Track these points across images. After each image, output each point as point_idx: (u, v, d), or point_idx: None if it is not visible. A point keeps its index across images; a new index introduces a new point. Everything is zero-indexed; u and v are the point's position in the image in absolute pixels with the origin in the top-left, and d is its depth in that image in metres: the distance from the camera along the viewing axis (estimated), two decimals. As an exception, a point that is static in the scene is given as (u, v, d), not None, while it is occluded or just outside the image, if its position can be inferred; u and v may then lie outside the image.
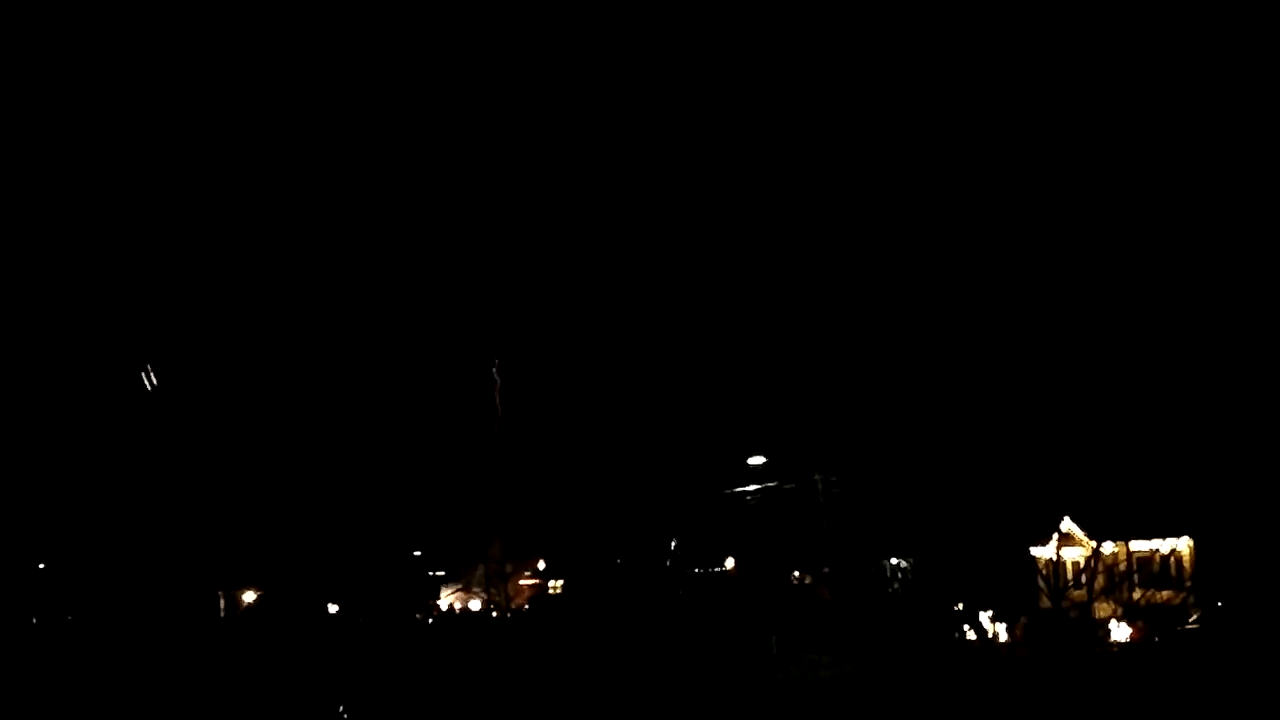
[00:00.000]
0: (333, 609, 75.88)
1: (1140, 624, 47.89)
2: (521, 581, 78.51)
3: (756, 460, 60.50)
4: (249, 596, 75.89)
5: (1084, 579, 52.30)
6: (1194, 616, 46.64)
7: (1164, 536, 53.17)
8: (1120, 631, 48.24)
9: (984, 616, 52.80)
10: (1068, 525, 54.47)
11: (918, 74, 66.72)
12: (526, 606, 73.93)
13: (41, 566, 73.88)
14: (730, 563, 71.62)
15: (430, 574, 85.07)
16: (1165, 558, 53.35)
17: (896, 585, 58.87)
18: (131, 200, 73.28)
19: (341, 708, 38.58)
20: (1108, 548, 52.67)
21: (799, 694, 37.60)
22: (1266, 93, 55.43)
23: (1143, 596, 50.23)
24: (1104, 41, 61.26)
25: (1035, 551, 55.45)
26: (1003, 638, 51.67)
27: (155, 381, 70.85)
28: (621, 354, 75.47)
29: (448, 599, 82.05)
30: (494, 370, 73.22)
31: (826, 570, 60.70)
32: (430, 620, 73.54)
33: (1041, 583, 53.50)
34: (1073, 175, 61.47)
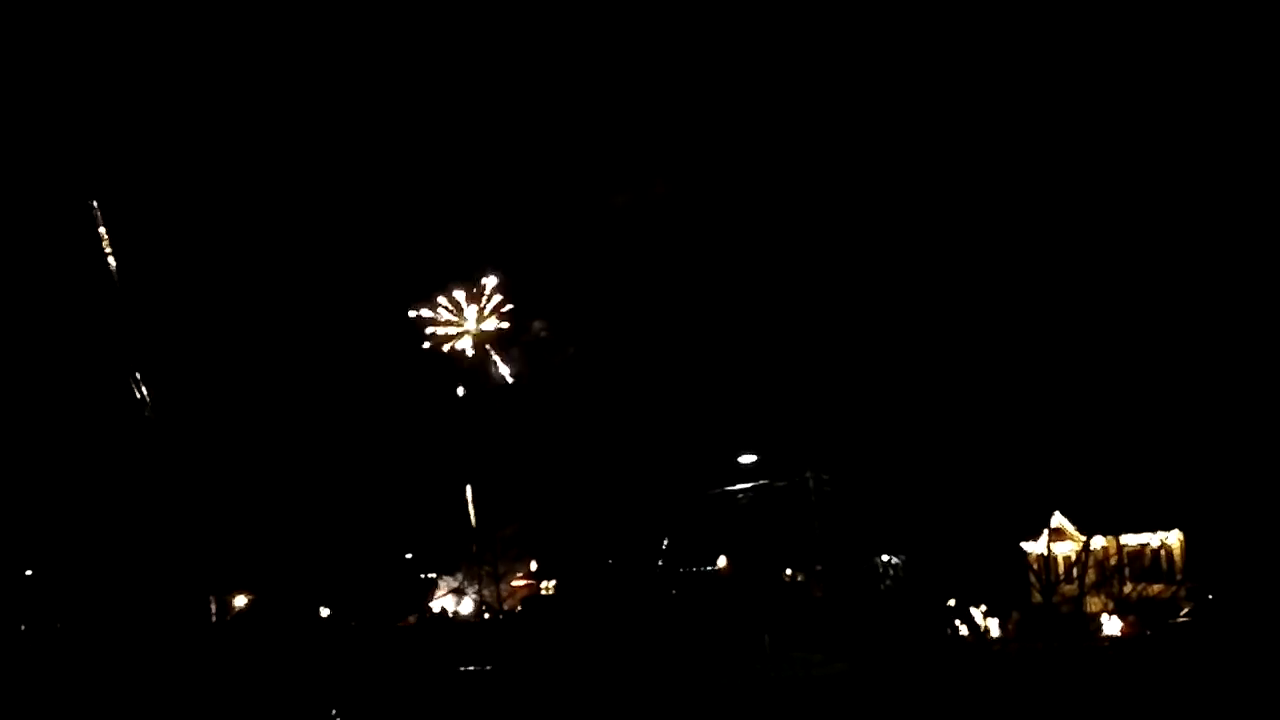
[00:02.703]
0: (324, 612, 75.66)
1: (1131, 618, 47.98)
2: (514, 582, 78.26)
3: (748, 458, 60.52)
4: (240, 601, 75.66)
5: (1075, 573, 52.30)
6: (1185, 610, 46.72)
7: (1154, 530, 53.21)
8: (1112, 625, 48.30)
9: (976, 612, 52.87)
10: (1058, 520, 54.46)
11: (911, 72, 66.71)
12: (519, 607, 73.75)
13: (30, 573, 73.60)
14: (722, 561, 71.59)
15: (422, 576, 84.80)
16: (1156, 551, 53.38)
17: (889, 582, 58.87)
18: (124, 210, 73.37)
19: (334, 711, 38.53)
20: (1098, 542, 52.65)
21: (792, 692, 37.62)
22: (1266, 93, 55.60)
23: (1134, 590, 50.29)
24: (1104, 42, 61.35)
25: (1026, 546, 55.42)
26: (995, 633, 51.74)
27: (145, 389, 70.85)
28: (612, 353, 75.45)
29: (440, 601, 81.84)
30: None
31: (819, 568, 60.76)
32: (414, 621, 73.38)
33: (1033, 578, 53.45)
34: (1062, 177, 61.60)
